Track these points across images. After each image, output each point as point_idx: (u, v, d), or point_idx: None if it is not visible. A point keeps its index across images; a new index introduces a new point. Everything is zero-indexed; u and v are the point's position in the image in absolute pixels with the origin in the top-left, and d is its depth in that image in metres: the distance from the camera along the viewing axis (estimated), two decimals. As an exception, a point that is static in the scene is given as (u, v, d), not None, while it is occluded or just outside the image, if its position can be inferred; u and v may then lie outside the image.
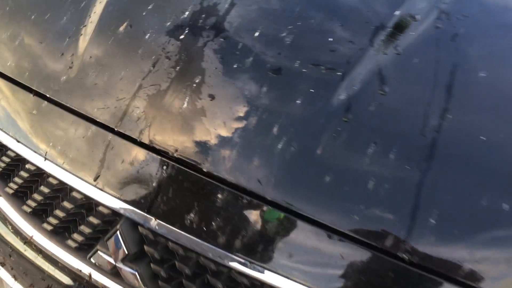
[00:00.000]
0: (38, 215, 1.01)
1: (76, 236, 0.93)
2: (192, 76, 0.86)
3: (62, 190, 0.94)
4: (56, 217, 0.95)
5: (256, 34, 0.88)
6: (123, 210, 0.83)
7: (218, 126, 0.81)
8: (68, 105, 0.91)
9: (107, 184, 0.84)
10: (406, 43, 0.85)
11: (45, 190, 0.94)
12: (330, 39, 0.86)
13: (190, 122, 0.82)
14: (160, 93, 0.86)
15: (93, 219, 0.89)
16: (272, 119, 0.80)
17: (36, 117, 0.93)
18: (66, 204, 0.92)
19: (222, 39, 0.89)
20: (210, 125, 0.81)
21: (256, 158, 0.78)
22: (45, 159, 0.90)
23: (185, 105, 0.83)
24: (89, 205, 0.91)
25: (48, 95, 0.93)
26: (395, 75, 0.82)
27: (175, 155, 0.81)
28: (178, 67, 0.87)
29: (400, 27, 0.88)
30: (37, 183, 0.98)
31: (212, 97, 0.83)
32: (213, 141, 0.80)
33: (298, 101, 0.80)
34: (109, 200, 0.84)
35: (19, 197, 1.03)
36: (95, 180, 0.84)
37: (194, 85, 0.85)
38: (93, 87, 0.90)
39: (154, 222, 0.81)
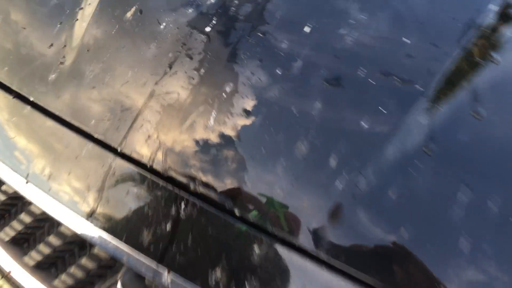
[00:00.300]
0: (19, 245, 0.82)
1: (64, 277, 0.74)
2: (221, 82, 0.65)
3: (48, 219, 0.75)
4: (40, 252, 0.75)
5: (307, 29, 0.68)
6: (126, 257, 0.63)
7: (255, 153, 0.61)
8: (56, 113, 0.70)
9: (105, 222, 0.64)
10: (507, 48, 0.65)
11: (26, 219, 0.75)
12: (406, 41, 0.65)
13: (219, 146, 0.62)
14: (178, 103, 0.65)
15: (86, 262, 0.70)
16: (329, 146, 0.60)
17: (16, 126, 0.73)
18: (52, 239, 0.73)
19: (260, 35, 0.68)
20: (245, 150, 0.61)
21: (306, 198, 0.58)
22: (27, 181, 0.70)
23: (212, 122, 0.63)
24: (82, 242, 0.72)
25: (31, 99, 0.72)
26: (493, 93, 0.62)
27: (197, 189, 0.61)
28: (202, 70, 0.66)
29: (497, 26, 0.67)
30: (16, 207, 0.78)
31: (247, 113, 0.63)
32: (249, 173, 0.60)
33: (362, 123, 0.60)
34: (108, 243, 0.64)
35: (-5, 221, 0.84)
36: (89, 216, 0.65)
37: (224, 94, 0.64)
38: (90, 91, 0.69)
39: (167, 276, 0.62)
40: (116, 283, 0.65)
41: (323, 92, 0.62)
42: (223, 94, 0.64)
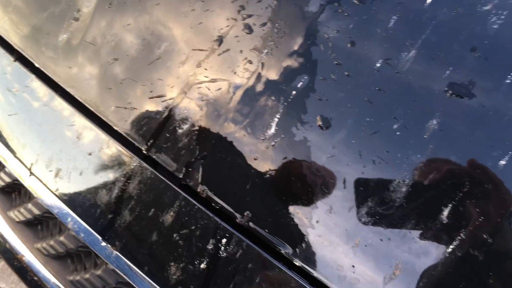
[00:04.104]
0: (31, 226, 0.70)
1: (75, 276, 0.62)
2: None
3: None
4: (52, 247, 0.63)
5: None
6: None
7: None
8: (68, 89, 0.53)
9: (123, 245, 0.50)
10: None
11: (35, 210, 0.61)
12: None
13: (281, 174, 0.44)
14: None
15: (105, 276, 0.57)
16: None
17: (18, 98, 0.56)
18: (63, 239, 0.59)
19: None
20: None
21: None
22: (30, 173, 0.55)
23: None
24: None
25: (36, 64, 0.55)
26: None
27: (246, 222, 0.45)
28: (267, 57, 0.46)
29: None
30: (24, 191, 0.64)
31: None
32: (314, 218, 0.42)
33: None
34: (128, 271, 0.50)
35: (5, 193, 0.71)
36: (104, 238, 0.50)
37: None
38: (111, 64, 0.51)
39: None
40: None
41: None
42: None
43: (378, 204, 0.40)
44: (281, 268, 0.42)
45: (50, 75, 0.52)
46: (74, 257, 0.64)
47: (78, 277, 0.59)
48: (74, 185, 0.51)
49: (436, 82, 0.41)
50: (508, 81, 0.40)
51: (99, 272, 0.55)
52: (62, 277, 0.64)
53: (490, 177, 0.38)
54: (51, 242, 0.60)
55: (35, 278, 0.68)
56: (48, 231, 0.64)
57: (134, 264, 0.48)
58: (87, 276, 0.57)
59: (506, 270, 0.38)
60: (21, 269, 0.69)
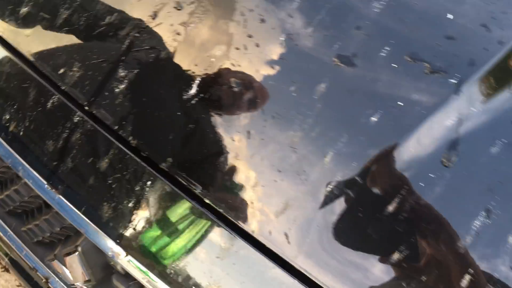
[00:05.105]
0: None
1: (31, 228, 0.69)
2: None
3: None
4: (9, 198, 0.70)
5: None
6: (85, 229, 0.56)
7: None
8: (24, 53, 0.60)
9: (64, 188, 0.57)
10: None
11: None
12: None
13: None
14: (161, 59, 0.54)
15: (51, 220, 0.64)
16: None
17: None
18: (18, 188, 0.66)
19: None
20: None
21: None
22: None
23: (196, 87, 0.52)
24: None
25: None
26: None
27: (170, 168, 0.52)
28: (192, 23, 0.54)
29: None
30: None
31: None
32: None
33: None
34: (68, 211, 0.57)
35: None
36: (48, 183, 0.57)
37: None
38: (63, 33, 0.59)
39: (124, 258, 0.55)
40: (75, 251, 0.59)
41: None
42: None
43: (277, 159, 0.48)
44: (195, 205, 0.50)
45: (8, 40, 0.60)
46: (28, 213, 0.71)
47: (30, 226, 0.66)
48: (25, 137, 0.58)
49: (326, 53, 0.49)
50: (383, 54, 0.48)
51: (46, 217, 0.62)
52: (17, 230, 0.71)
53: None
54: (8, 193, 0.67)
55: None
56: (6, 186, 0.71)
57: (73, 205, 0.55)
58: (37, 222, 0.64)
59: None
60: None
